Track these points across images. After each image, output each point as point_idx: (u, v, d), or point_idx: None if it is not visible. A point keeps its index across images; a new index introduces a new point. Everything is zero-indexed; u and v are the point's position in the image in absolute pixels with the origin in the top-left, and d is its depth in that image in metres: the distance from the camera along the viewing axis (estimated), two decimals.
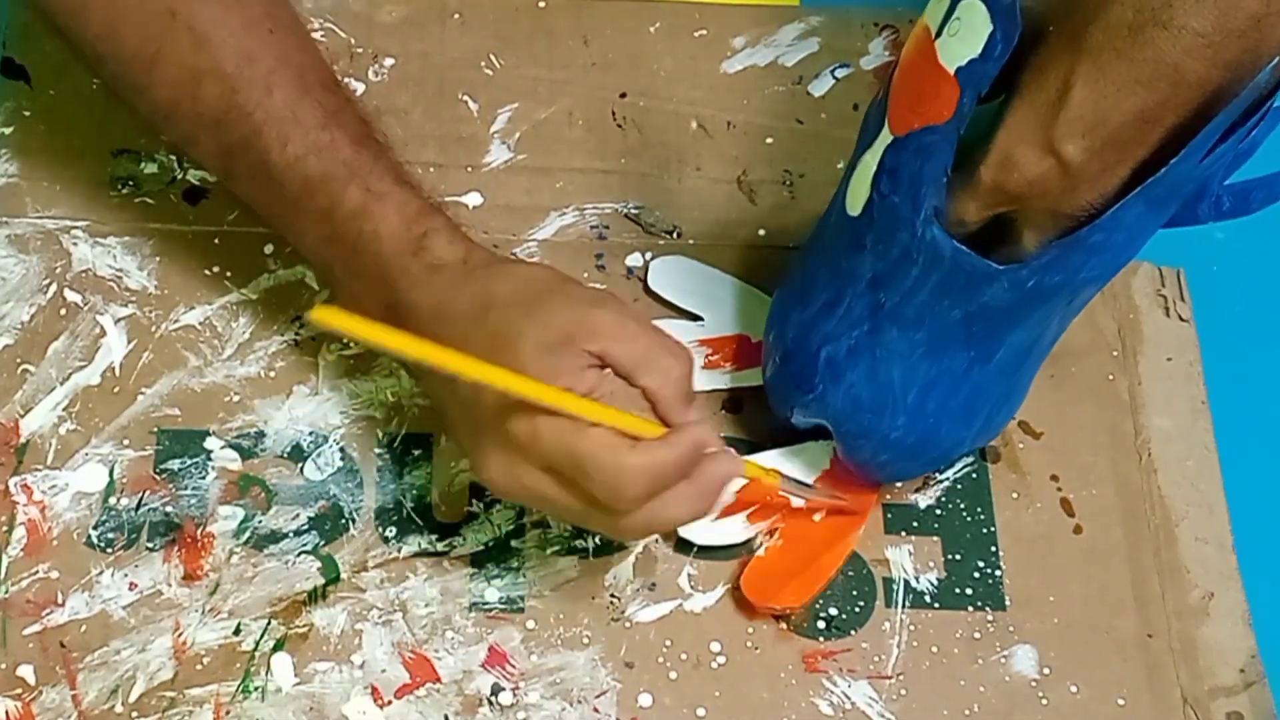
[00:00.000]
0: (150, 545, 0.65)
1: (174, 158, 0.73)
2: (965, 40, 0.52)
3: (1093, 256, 0.55)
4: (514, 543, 0.66)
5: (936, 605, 0.67)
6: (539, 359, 0.55)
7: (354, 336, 0.55)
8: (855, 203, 0.59)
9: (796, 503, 0.66)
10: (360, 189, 0.60)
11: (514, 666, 0.64)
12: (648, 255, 0.73)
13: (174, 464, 0.66)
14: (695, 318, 0.72)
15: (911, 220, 0.56)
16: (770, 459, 0.67)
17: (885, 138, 0.56)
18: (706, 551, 0.67)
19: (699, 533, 0.66)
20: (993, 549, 0.68)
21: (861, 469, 0.66)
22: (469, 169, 0.75)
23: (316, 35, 0.77)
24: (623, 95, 0.78)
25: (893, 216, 0.57)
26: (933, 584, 0.67)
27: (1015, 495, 0.70)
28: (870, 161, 0.57)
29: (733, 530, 0.67)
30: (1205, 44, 0.49)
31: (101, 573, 0.64)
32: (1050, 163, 0.52)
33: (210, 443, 0.67)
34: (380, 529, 0.66)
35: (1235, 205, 0.56)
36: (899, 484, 0.69)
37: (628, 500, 0.55)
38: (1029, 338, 0.61)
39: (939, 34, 0.53)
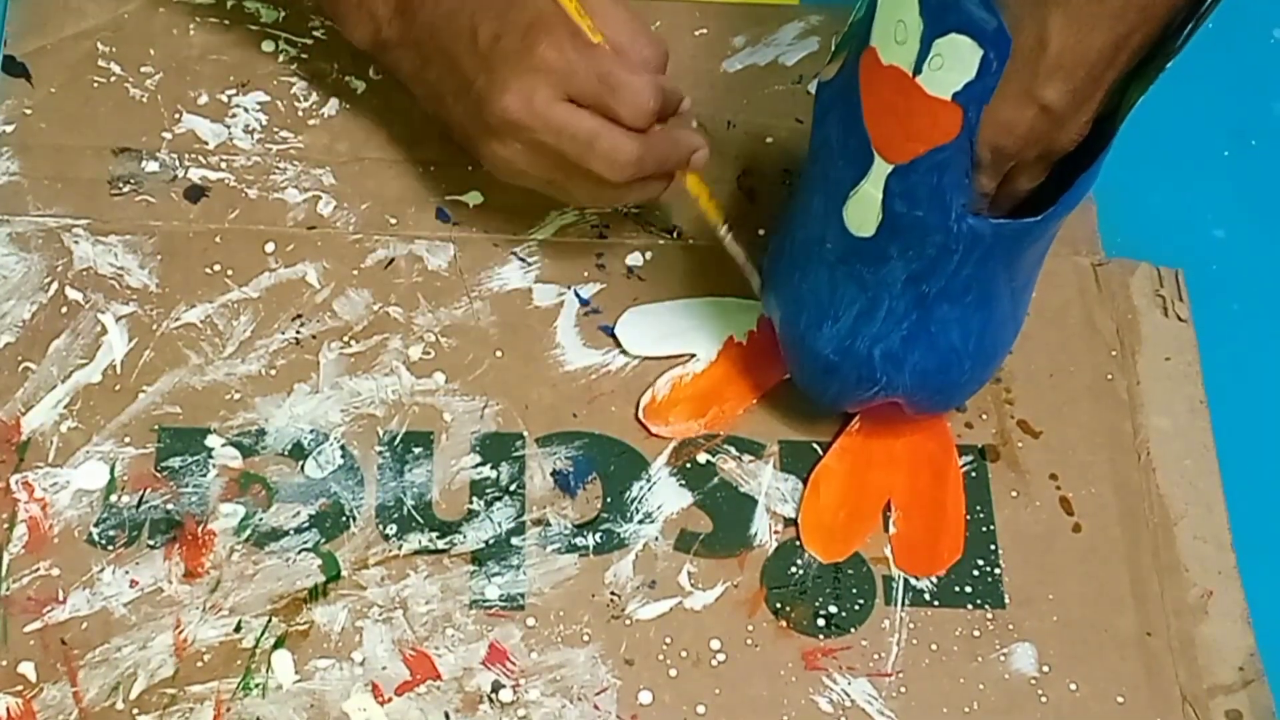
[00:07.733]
0: (151, 543, 0.65)
1: (175, 156, 0.73)
2: (953, 69, 0.54)
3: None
4: (514, 540, 0.66)
5: (936, 603, 0.67)
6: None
7: None
8: (863, 226, 0.60)
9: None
10: None
11: (514, 664, 0.64)
12: (648, 255, 0.74)
13: (175, 461, 0.66)
14: (687, 356, 0.71)
15: (943, 223, 0.58)
16: None
17: (883, 166, 0.58)
18: (706, 547, 0.67)
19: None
20: (992, 547, 0.68)
21: (933, 411, 0.69)
22: (469, 168, 0.74)
23: (318, 34, 0.77)
24: None
25: (920, 227, 0.58)
26: (932, 582, 0.67)
27: (1014, 494, 0.70)
28: (870, 190, 0.58)
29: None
30: None
31: (102, 570, 0.64)
32: (1034, 112, 0.56)
33: (211, 440, 0.67)
34: (381, 526, 0.66)
35: None
36: None
37: (619, 170, 0.64)
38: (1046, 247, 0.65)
39: (917, 71, 0.54)
